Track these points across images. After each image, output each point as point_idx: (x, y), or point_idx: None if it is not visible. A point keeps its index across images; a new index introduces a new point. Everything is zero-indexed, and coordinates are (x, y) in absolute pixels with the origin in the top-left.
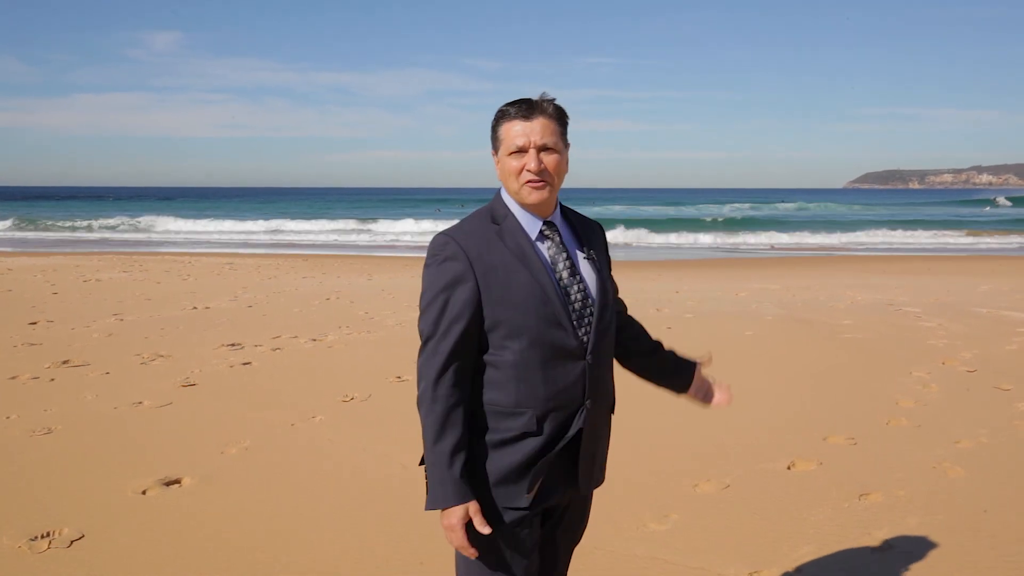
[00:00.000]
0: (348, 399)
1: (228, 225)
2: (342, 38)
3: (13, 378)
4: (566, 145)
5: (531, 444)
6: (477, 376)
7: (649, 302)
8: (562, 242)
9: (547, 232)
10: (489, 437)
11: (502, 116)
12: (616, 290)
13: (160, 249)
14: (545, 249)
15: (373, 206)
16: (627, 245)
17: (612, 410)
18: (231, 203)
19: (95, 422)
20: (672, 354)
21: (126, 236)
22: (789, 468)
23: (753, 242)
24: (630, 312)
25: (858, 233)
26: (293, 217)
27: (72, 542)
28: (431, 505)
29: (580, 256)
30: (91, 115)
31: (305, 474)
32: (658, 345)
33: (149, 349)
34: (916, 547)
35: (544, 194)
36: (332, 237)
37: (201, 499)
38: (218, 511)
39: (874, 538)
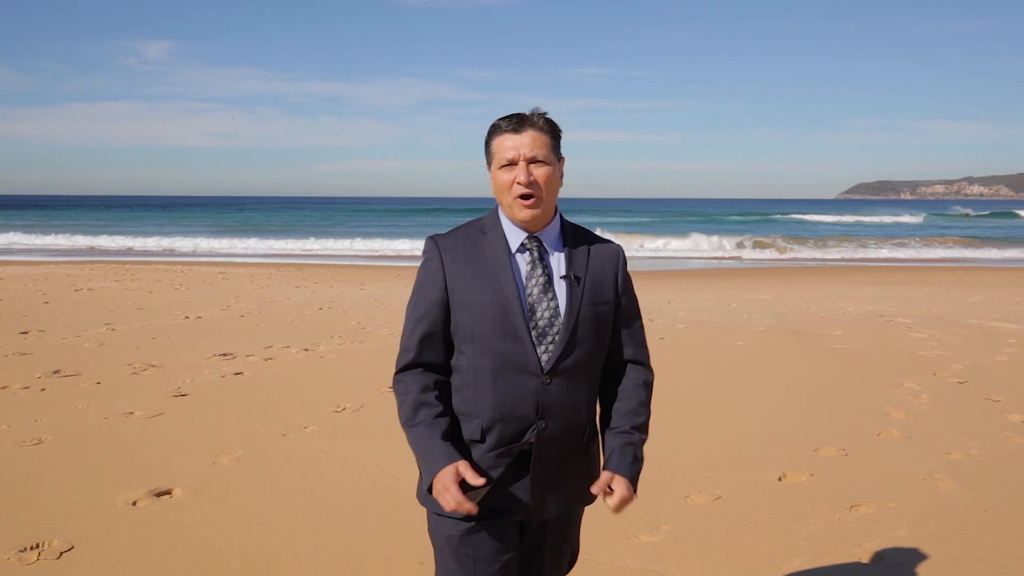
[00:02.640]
0: (340, 409)
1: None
2: (334, 48)
3: (3, 388)
4: (559, 159)
5: (475, 453)
6: (449, 377)
7: (642, 312)
8: (540, 257)
9: (528, 245)
10: None
11: (494, 130)
12: (622, 333)
13: (153, 258)
14: (522, 262)
15: (363, 217)
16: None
17: (583, 437)
18: (220, 215)
19: (86, 432)
20: (618, 446)
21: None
22: (780, 479)
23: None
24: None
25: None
26: (269, 236)
27: (62, 553)
28: (425, 480)
29: (558, 274)
30: (83, 124)
31: (297, 485)
32: (619, 424)
33: (141, 359)
34: (907, 559)
35: (535, 212)
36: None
37: (192, 510)
38: (209, 522)
39: (865, 550)
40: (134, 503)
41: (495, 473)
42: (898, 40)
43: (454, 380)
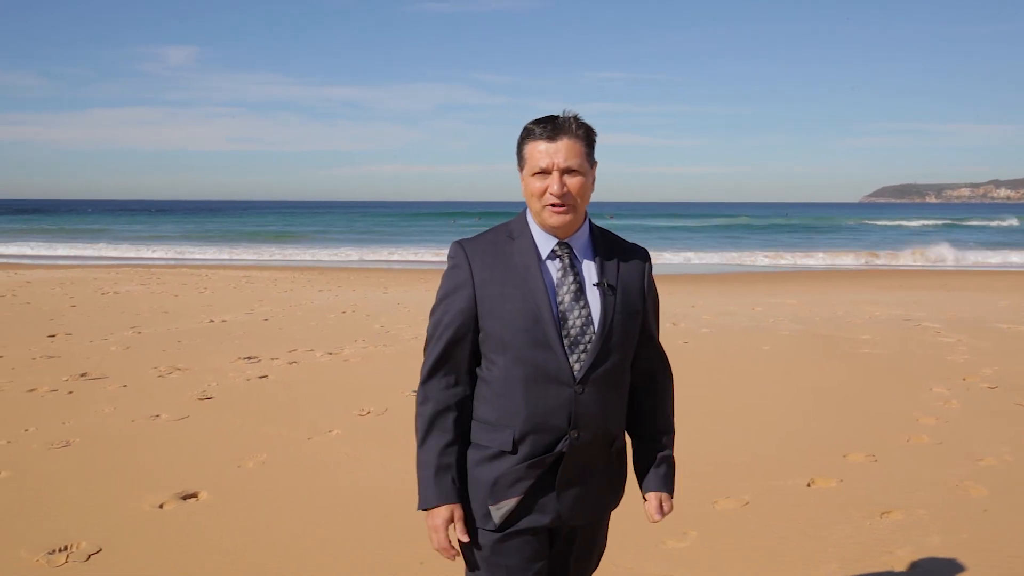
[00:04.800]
0: (365, 413)
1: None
2: (353, 52)
3: (32, 391)
4: (592, 165)
5: (505, 464)
6: (474, 387)
7: (665, 316)
8: (572, 264)
9: (559, 252)
10: (473, 451)
11: (527, 135)
12: (651, 339)
13: (177, 262)
14: (553, 269)
15: (382, 222)
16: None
17: (612, 445)
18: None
19: (113, 435)
20: (654, 456)
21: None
22: (809, 485)
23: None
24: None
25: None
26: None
27: (90, 556)
28: (420, 504)
29: (590, 282)
30: (106, 129)
31: (322, 488)
32: (653, 435)
33: (166, 362)
34: (939, 567)
35: (566, 218)
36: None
37: (218, 513)
38: (235, 525)
39: (896, 557)
40: (161, 506)
41: (525, 484)
42: (920, 43)
43: (482, 391)
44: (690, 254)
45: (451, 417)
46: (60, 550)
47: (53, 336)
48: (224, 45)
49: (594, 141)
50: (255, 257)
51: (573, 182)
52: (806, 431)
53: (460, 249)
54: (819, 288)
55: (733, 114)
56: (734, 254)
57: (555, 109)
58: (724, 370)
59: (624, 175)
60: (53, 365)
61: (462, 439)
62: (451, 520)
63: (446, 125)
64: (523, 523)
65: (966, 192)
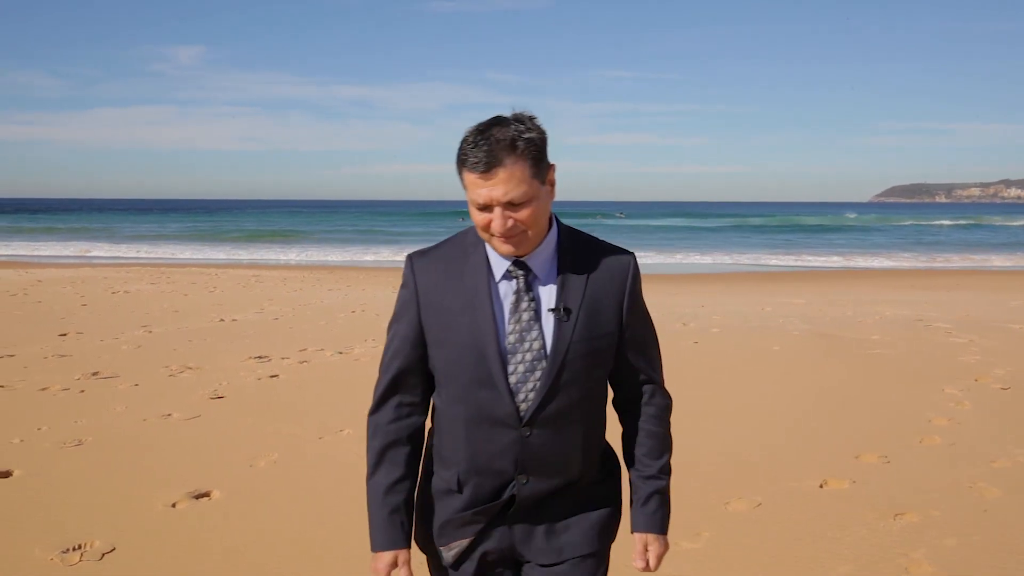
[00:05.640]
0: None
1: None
2: (361, 52)
3: (44, 389)
4: (544, 179)
5: (454, 504)
6: (429, 414)
7: (675, 316)
8: (528, 287)
9: (513, 272)
10: (426, 481)
11: (462, 161)
12: (639, 355)
13: (187, 262)
14: (507, 292)
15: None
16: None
17: (578, 486)
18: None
19: (124, 434)
20: (642, 490)
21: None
22: (821, 486)
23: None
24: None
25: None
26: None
27: (103, 555)
28: (370, 544)
29: (547, 306)
30: (115, 128)
31: (333, 488)
32: (644, 464)
33: (177, 361)
34: (954, 569)
35: (519, 248)
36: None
37: (230, 512)
38: (247, 524)
39: (910, 559)
40: (173, 505)
41: (473, 529)
42: (928, 42)
43: (435, 419)
44: (698, 254)
45: (402, 451)
46: (74, 549)
47: (64, 335)
48: (232, 44)
49: (543, 149)
50: (264, 256)
51: (521, 214)
52: (818, 432)
53: (409, 265)
54: (828, 288)
55: (741, 113)
56: (746, 254)
57: (562, 108)
58: (734, 370)
59: (632, 175)
60: (65, 364)
61: (414, 472)
62: (395, 565)
63: (455, 124)
64: (488, 558)
65: (976, 192)
